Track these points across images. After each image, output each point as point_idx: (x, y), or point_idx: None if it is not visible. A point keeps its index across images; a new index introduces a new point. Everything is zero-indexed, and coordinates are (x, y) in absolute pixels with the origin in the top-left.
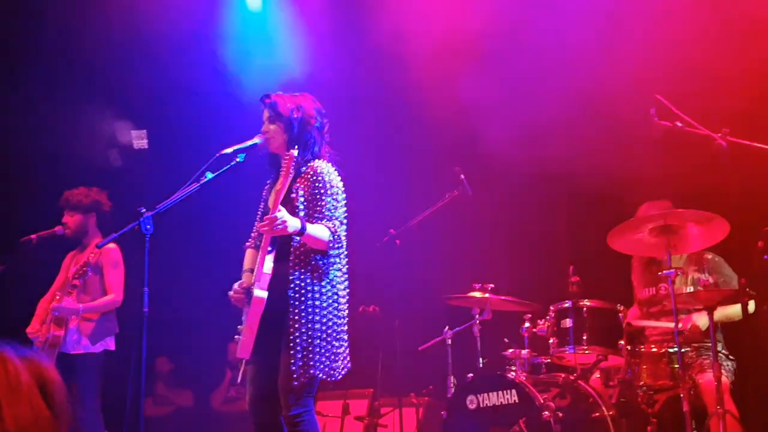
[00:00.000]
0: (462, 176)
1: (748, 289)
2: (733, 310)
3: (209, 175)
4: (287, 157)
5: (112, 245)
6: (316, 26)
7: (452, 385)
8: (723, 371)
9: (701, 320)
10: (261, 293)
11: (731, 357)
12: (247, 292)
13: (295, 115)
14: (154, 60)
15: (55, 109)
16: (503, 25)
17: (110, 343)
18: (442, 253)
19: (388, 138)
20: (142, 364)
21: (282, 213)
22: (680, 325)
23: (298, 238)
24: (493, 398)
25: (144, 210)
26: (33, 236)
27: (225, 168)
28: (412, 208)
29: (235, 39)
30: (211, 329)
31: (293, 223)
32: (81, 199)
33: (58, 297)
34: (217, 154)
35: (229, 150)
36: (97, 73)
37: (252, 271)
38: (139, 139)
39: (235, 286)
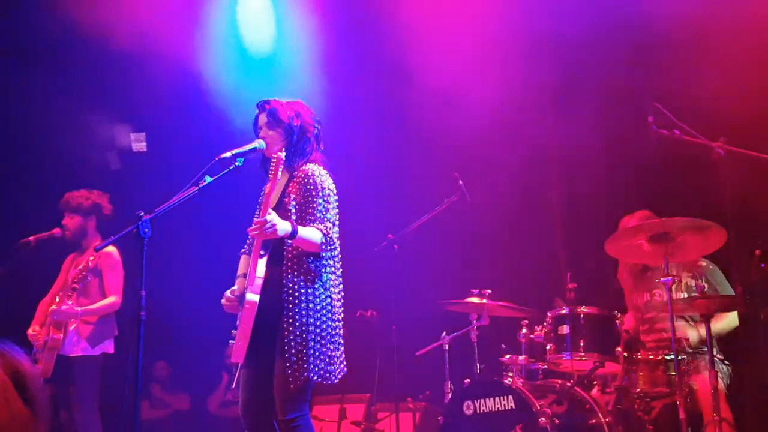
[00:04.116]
0: (460, 182)
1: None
2: (725, 324)
3: (208, 179)
4: (275, 159)
5: (111, 248)
6: (316, 30)
7: (449, 390)
8: (718, 376)
9: (692, 336)
10: (253, 297)
11: (726, 362)
12: (240, 298)
13: (295, 123)
14: (153, 63)
15: (54, 112)
16: (502, 32)
17: (109, 346)
18: (440, 258)
19: (387, 143)
20: (139, 367)
21: (272, 216)
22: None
23: (290, 241)
24: (490, 404)
25: (142, 213)
26: (31, 238)
27: (224, 172)
28: (410, 213)
29: (234, 42)
30: (208, 333)
31: (283, 227)
32: (81, 201)
33: (57, 299)
34: (216, 158)
35: (228, 154)
36: (96, 76)
37: (245, 276)
38: (138, 142)
39: (227, 293)
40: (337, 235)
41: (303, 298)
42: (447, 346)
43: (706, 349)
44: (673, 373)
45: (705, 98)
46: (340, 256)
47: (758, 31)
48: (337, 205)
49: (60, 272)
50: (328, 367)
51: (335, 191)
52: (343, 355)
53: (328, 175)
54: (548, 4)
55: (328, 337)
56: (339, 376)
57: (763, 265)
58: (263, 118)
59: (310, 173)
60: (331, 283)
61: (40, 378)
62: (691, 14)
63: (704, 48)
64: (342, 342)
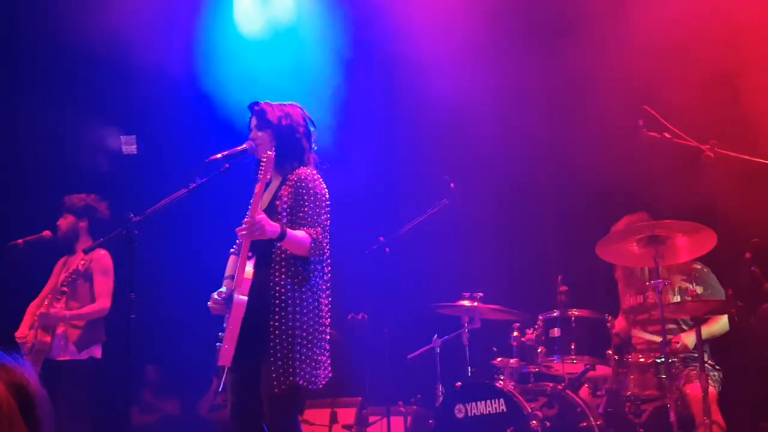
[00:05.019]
0: (452, 185)
1: (735, 301)
2: (718, 328)
3: (198, 181)
4: (265, 159)
5: (103, 252)
6: (308, 32)
7: (440, 393)
8: (710, 381)
9: (689, 339)
10: (241, 298)
11: (717, 367)
12: (227, 300)
13: (284, 123)
14: (144, 66)
15: (43, 116)
16: (496, 32)
17: (96, 351)
18: (431, 261)
19: (379, 146)
20: (128, 370)
21: (260, 216)
22: (670, 338)
23: (278, 243)
24: (481, 407)
25: (132, 215)
26: (20, 241)
27: (213, 174)
28: (402, 216)
29: (225, 44)
30: (198, 337)
31: (272, 228)
32: (75, 202)
33: (46, 303)
34: (206, 160)
35: (218, 156)
36: (86, 79)
37: (233, 277)
38: (129, 145)
39: (214, 295)
40: (328, 241)
41: (291, 302)
42: (438, 349)
43: (696, 355)
44: (664, 376)
45: (695, 101)
46: (330, 261)
47: (749, 35)
48: (329, 211)
49: (51, 275)
50: (315, 372)
51: (328, 196)
52: (329, 360)
53: (321, 180)
54: (547, 4)
55: (315, 341)
56: (324, 381)
57: (753, 268)
58: (254, 120)
59: (302, 177)
60: (319, 287)
61: (48, 399)
62: (684, 17)
63: (696, 51)
64: (328, 347)
